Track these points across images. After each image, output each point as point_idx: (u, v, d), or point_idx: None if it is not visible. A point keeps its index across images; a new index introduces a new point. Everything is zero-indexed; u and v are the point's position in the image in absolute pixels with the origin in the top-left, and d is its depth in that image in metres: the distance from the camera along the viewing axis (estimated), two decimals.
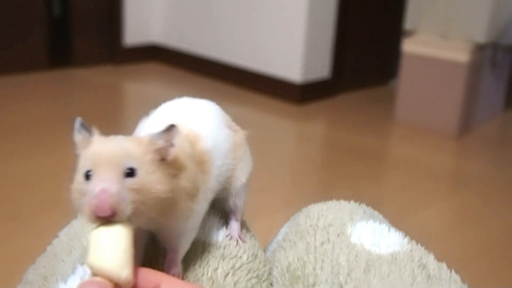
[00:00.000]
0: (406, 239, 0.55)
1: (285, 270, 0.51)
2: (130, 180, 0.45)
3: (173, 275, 0.50)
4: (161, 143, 0.47)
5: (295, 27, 3.31)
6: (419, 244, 0.55)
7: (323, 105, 3.46)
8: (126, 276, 0.41)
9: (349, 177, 2.44)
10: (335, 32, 3.50)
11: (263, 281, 0.55)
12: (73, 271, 0.53)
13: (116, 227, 0.43)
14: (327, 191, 2.31)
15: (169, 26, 4.05)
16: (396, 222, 0.62)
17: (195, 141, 0.54)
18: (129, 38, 3.97)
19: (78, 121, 0.50)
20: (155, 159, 0.47)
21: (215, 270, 0.52)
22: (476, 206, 2.26)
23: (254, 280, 0.54)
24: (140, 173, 0.45)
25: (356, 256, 0.51)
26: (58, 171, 2.28)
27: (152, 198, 0.45)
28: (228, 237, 0.59)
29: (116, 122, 2.86)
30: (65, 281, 0.52)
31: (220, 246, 0.56)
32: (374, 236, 0.54)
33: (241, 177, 0.60)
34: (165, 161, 0.47)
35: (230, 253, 0.55)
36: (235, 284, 0.52)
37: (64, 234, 0.64)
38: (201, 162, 0.53)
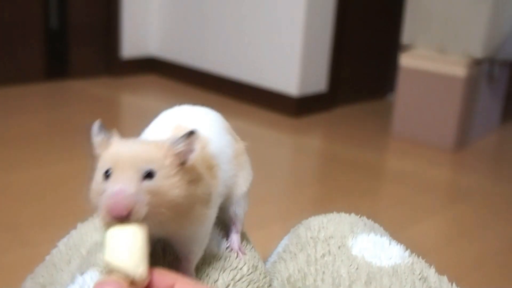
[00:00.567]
0: (407, 252, 0.55)
1: (286, 281, 0.51)
2: (147, 183, 0.45)
3: None
4: (181, 148, 0.47)
5: (292, 40, 3.32)
6: (420, 257, 0.55)
7: (320, 118, 3.46)
8: (141, 273, 0.42)
9: (345, 190, 2.44)
10: (332, 45, 3.51)
11: None
12: (72, 280, 0.52)
13: (131, 226, 0.43)
14: (323, 205, 2.31)
15: (166, 38, 4.05)
16: (392, 235, 0.62)
17: (203, 145, 0.54)
18: (126, 51, 3.97)
19: (97, 123, 0.50)
20: (174, 163, 0.47)
21: (215, 281, 0.52)
22: (472, 220, 2.26)
23: None
24: (158, 176, 0.46)
25: (357, 268, 0.50)
26: (55, 182, 2.27)
27: (168, 202, 0.46)
28: (229, 249, 0.59)
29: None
30: None
31: (220, 257, 0.56)
32: (375, 248, 0.54)
33: (242, 186, 0.60)
34: (184, 166, 0.48)
35: (231, 265, 0.55)
36: None
37: (63, 244, 0.64)
38: (210, 166, 0.54)
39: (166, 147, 0.48)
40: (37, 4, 3.57)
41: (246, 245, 0.61)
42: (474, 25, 2.92)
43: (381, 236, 0.57)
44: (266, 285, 0.56)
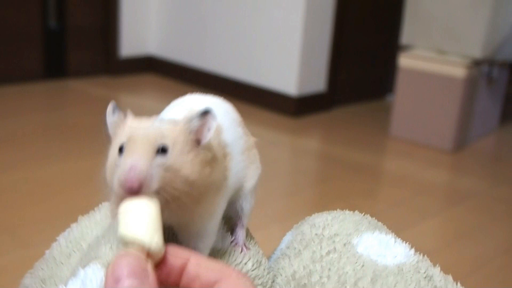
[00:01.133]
0: (412, 251, 0.55)
1: (290, 278, 0.51)
2: (161, 158, 0.45)
3: None
4: (196, 124, 0.47)
5: (291, 39, 3.32)
6: (425, 256, 0.55)
7: (318, 118, 3.46)
8: (157, 243, 0.41)
9: (343, 191, 2.44)
10: (331, 45, 3.51)
11: None
12: (74, 274, 0.52)
13: (144, 200, 0.44)
14: (321, 205, 2.30)
15: (165, 38, 4.05)
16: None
17: (217, 133, 0.53)
18: (124, 50, 3.97)
19: (111, 104, 0.50)
20: (189, 140, 0.47)
21: None
22: (470, 222, 2.25)
23: None
24: (172, 152, 0.46)
25: (363, 266, 0.50)
26: (53, 182, 2.27)
27: (181, 179, 0.46)
28: (233, 243, 0.58)
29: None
30: (65, 283, 0.51)
31: (225, 252, 0.56)
32: (380, 247, 0.54)
33: (251, 180, 0.60)
34: (199, 145, 0.48)
35: (235, 260, 0.55)
36: None
37: (63, 238, 0.64)
38: (224, 155, 0.53)
39: (181, 124, 0.48)
40: (35, 3, 3.57)
41: (250, 241, 0.61)
42: (473, 26, 2.92)
43: (385, 234, 0.57)
44: (270, 281, 0.56)
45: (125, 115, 0.50)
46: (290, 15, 3.31)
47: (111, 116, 0.50)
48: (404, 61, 3.12)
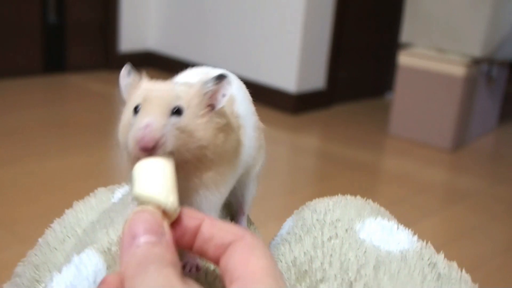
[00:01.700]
0: (415, 238, 0.54)
1: (291, 264, 0.50)
2: (176, 119, 0.45)
3: (190, 262, 0.49)
4: (211, 88, 0.47)
5: (291, 37, 3.31)
6: (429, 243, 0.54)
7: (318, 116, 3.46)
8: (172, 202, 0.41)
9: (342, 189, 2.42)
10: (331, 42, 3.50)
11: None
12: (68, 260, 0.51)
13: (159, 159, 0.43)
14: None
15: (164, 33, 4.04)
16: None
17: (230, 103, 0.53)
18: (124, 45, 3.96)
19: (127, 66, 0.50)
20: (203, 104, 0.47)
21: None
22: (469, 221, 2.25)
23: None
24: (186, 114, 0.45)
25: (365, 252, 0.49)
26: (52, 177, 2.26)
27: (194, 142, 0.45)
28: None
29: (110, 128, 2.84)
30: (59, 270, 0.50)
31: None
32: (383, 233, 0.53)
33: (256, 166, 0.59)
34: (213, 110, 0.47)
35: None
36: None
37: (57, 223, 0.63)
38: (237, 126, 0.52)
39: (196, 87, 0.47)
40: None
41: (250, 226, 0.60)
42: (473, 25, 2.91)
43: (388, 220, 0.56)
44: None
45: (140, 77, 0.50)
46: (290, 12, 3.30)
47: (126, 78, 0.50)
48: (404, 59, 3.11)
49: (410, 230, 0.55)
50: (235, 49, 3.59)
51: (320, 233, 0.51)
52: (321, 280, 0.47)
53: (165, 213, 0.40)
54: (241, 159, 0.53)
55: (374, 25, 3.84)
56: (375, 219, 0.55)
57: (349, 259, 0.48)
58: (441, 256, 0.52)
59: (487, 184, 2.66)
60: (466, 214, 2.31)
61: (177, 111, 0.45)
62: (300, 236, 0.53)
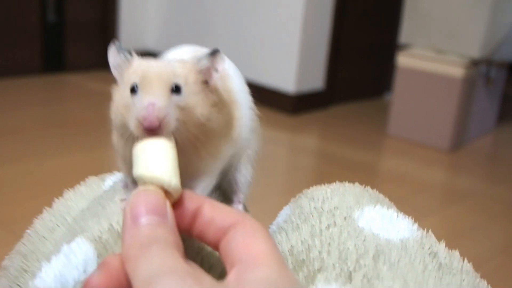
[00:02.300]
0: (415, 226, 0.53)
1: (288, 253, 0.48)
2: (176, 97, 0.45)
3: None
4: (206, 64, 0.47)
5: (290, 37, 3.31)
6: (429, 232, 0.53)
7: (316, 116, 3.45)
8: (176, 182, 0.40)
9: None
10: (330, 43, 3.50)
11: None
12: (58, 250, 0.49)
13: (161, 139, 0.43)
14: None
15: (163, 33, 4.04)
16: None
17: (223, 78, 0.52)
18: (123, 44, 3.90)
19: (114, 43, 0.50)
20: (198, 80, 0.47)
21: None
22: (467, 222, 2.24)
23: None
24: (185, 92, 0.45)
25: (364, 241, 0.48)
26: (50, 176, 2.25)
27: (194, 120, 0.45)
28: None
29: (109, 128, 2.83)
30: (48, 259, 0.49)
31: None
32: (382, 221, 0.51)
33: (249, 149, 0.59)
34: (207, 85, 0.47)
35: None
36: None
37: (46, 212, 0.61)
38: (231, 101, 0.52)
39: (190, 63, 0.47)
40: None
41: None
42: (471, 26, 2.91)
43: (387, 208, 0.54)
44: None
45: (130, 55, 0.49)
46: (289, 12, 3.30)
47: (115, 56, 0.50)
48: (403, 60, 3.11)
49: (410, 218, 0.54)
50: (234, 49, 3.58)
51: (318, 221, 0.50)
52: (319, 270, 0.46)
53: (167, 193, 0.39)
54: (236, 134, 0.53)
55: (373, 25, 3.84)
56: (374, 207, 0.53)
57: (348, 248, 0.47)
58: (442, 245, 0.50)
59: (486, 184, 2.65)
60: (465, 215, 2.30)
61: (177, 89, 0.45)
62: (298, 224, 0.51)
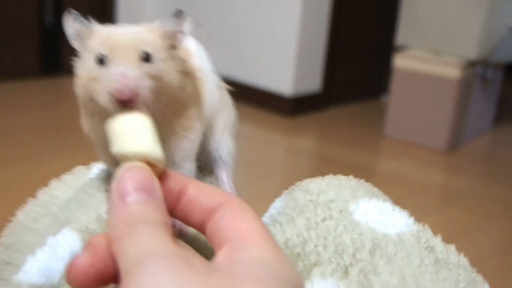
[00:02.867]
0: (412, 220, 0.52)
1: (283, 246, 0.47)
2: (146, 66, 0.42)
3: (177, 225, 0.47)
4: (172, 28, 0.45)
5: (287, 39, 3.31)
6: (426, 226, 0.52)
7: (314, 118, 3.45)
8: (160, 154, 0.38)
9: None
10: (327, 45, 3.50)
11: None
12: (43, 241, 0.48)
13: (137, 114, 0.40)
14: None
15: None
16: None
17: (186, 55, 0.50)
18: None
19: (69, 11, 0.46)
20: (166, 45, 0.45)
21: None
22: (465, 222, 2.24)
23: None
24: (154, 59, 0.43)
25: (361, 234, 0.47)
26: (48, 180, 2.24)
27: (167, 89, 0.43)
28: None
29: None
30: (32, 251, 0.47)
31: None
32: (379, 214, 0.51)
33: (225, 124, 0.58)
34: (174, 52, 0.45)
35: None
36: None
37: (29, 203, 0.59)
38: (196, 78, 0.50)
39: (156, 28, 0.45)
40: None
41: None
42: (468, 27, 2.91)
43: (383, 202, 0.53)
44: None
45: (89, 23, 0.46)
46: (286, 14, 3.30)
47: (73, 24, 0.46)
48: (400, 61, 3.11)
49: (406, 211, 0.54)
50: (231, 52, 3.58)
51: (313, 214, 0.48)
52: (315, 264, 0.45)
53: (153, 167, 0.37)
54: (205, 108, 0.51)
55: (370, 27, 3.84)
56: (370, 200, 0.52)
57: (344, 241, 0.46)
58: (439, 239, 0.50)
59: (483, 185, 2.65)
60: (463, 215, 2.30)
61: (147, 57, 0.43)
62: (292, 217, 0.50)
